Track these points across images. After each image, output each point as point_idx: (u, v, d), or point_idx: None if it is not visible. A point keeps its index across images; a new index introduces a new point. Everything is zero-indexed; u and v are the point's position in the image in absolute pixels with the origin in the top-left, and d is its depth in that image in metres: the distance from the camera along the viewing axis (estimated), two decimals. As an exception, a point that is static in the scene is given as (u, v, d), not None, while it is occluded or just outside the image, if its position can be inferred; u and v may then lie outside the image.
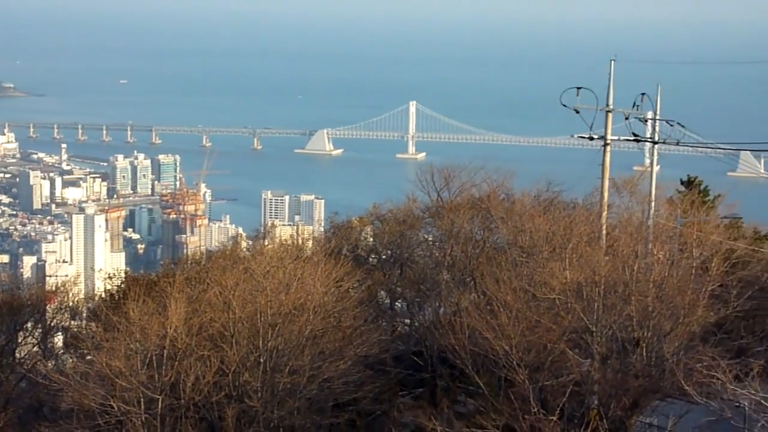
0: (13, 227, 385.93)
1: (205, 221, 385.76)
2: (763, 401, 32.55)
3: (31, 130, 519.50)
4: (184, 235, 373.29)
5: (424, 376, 51.72)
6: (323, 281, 44.55)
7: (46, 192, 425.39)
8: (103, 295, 56.02)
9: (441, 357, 48.86)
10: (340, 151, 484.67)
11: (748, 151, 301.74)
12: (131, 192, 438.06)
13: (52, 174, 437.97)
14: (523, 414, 36.79)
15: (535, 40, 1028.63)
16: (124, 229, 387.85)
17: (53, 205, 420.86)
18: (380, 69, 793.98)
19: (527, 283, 42.62)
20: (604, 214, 52.33)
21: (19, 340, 55.60)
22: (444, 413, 44.49)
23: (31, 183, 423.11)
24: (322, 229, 70.33)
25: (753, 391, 32.71)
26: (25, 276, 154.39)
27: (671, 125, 55.60)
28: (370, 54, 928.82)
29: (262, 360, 41.29)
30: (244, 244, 71.67)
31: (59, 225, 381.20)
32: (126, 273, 64.43)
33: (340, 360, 42.82)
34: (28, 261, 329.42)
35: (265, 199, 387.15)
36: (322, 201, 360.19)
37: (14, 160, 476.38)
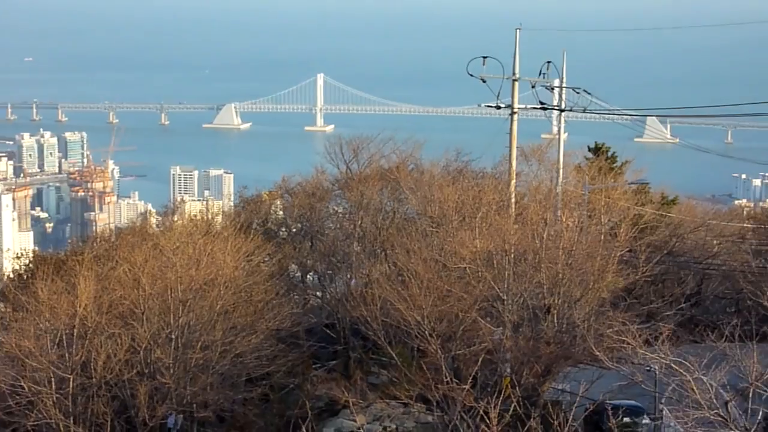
0: None
1: (114, 198, 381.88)
2: (673, 365, 32.81)
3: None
4: (93, 213, 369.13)
5: (337, 348, 51.65)
6: (233, 256, 44.20)
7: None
8: (11, 276, 55.12)
9: (353, 329, 48.83)
10: (248, 125, 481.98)
11: (654, 117, 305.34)
12: (38, 170, 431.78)
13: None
14: (436, 384, 36.80)
15: (442, 9, 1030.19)
16: (32, 208, 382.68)
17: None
18: (287, 41, 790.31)
19: (438, 252, 42.63)
20: (513, 182, 52.50)
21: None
22: (357, 385, 44.45)
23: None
24: (232, 204, 69.86)
25: (663, 355, 32.93)
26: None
27: (578, 93, 55.91)
28: (276, 25, 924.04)
29: (173, 336, 40.88)
30: (153, 220, 71.04)
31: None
32: (34, 252, 63.55)
33: (252, 334, 42.58)
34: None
35: (173, 174, 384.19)
36: (231, 175, 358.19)
37: None
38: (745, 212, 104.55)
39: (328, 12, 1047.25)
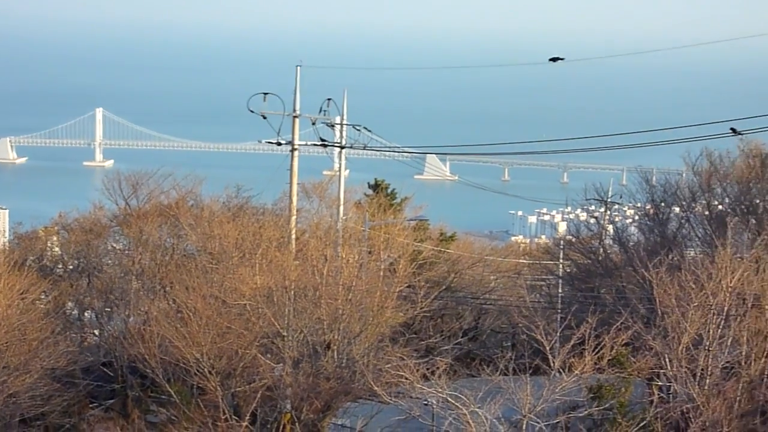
0: None
1: None
2: (449, 398, 33.35)
3: None
4: None
5: (115, 387, 50.74)
6: (6, 294, 43.03)
7: None
8: None
9: (131, 367, 48.04)
10: (23, 159, 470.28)
11: (434, 155, 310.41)
12: None
13: None
14: (215, 421, 36.53)
15: (224, 46, 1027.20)
16: None
17: None
18: (67, 74, 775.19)
19: (217, 289, 42.34)
20: (293, 218, 52.64)
21: None
22: (135, 424, 43.83)
23: None
24: (6, 241, 67.98)
25: (440, 389, 33.46)
26: None
27: (358, 130, 56.44)
28: (54, 57, 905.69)
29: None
30: None
31: None
32: None
33: (26, 374, 41.47)
34: None
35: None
36: (6, 211, 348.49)
37: None
38: (521, 248, 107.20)
39: (121, 45, 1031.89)
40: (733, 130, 36.25)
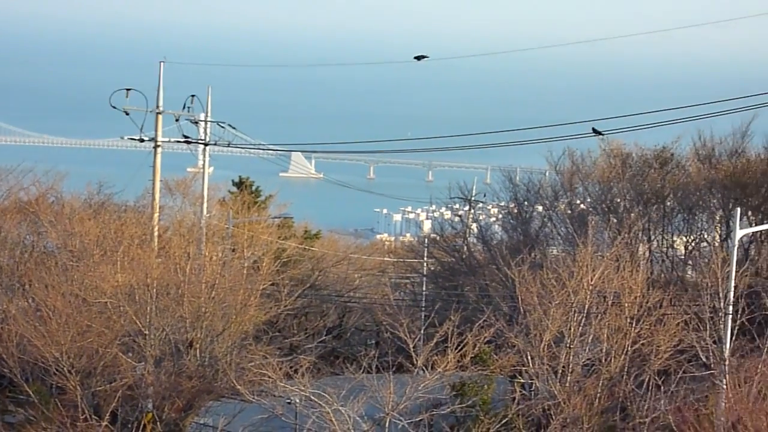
0: None
1: None
2: (312, 397, 33.27)
3: None
4: None
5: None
6: None
7: None
8: None
9: (-11, 367, 46.96)
10: None
11: (299, 153, 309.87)
12: None
13: None
14: (74, 421, 35.90)
15: (86, 38, 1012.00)
16: None
17: None
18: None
19: (78, 287, 41.61)
20: (156, 215, 52.02)
21: None
22: (-8, 425, 42.84)
23: None
24: None
25: (303, 388, 33.37)
26: None
27: (222, 127, 56.05)
28: None
29: None
30: None
31: None
32: None
33: None
34: None
35: None
36: None
37: None
38: (385, 246, 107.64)
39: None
40: (595, 130, 36.81)
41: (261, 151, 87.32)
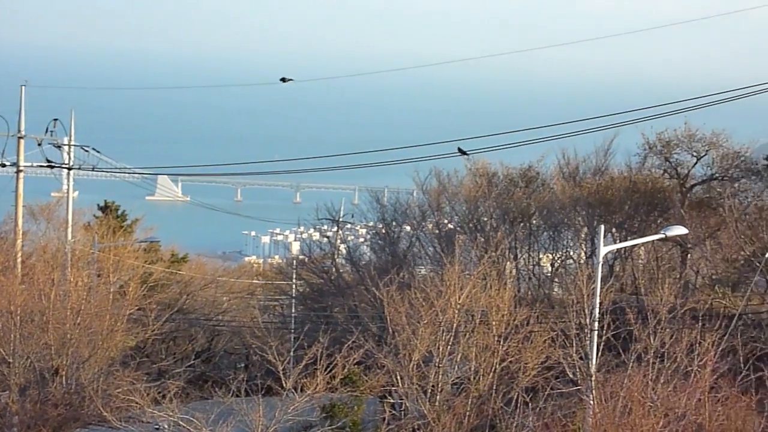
0: None
1: None
2: (180, 422, 32.93)
3: None
4: None
5: None
6: None
7: None
8: None
9: None
10: None
11: (166, 176, 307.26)
12: None
13: None
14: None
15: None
16: None
17: None
18: None
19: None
20: (19, 241, 51.13)
21: None
22: None
23: None
24: None
25: (171, 413, 32.99)
26: None
27: (86, 151, 55.39)
28: None
29: None
30: None
31: None
32: None
33: None
34: None
35: None
36: None
37: None
38: (254, 269, 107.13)
39: None
40: (460, 150, 37.16)
41: (126, 174, 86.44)
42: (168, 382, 38.95)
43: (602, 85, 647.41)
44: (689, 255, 56.27)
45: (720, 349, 33.75)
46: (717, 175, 57.06)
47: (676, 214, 53.72)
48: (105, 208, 67.42)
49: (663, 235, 40.53)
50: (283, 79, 41.29)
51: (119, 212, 67.57)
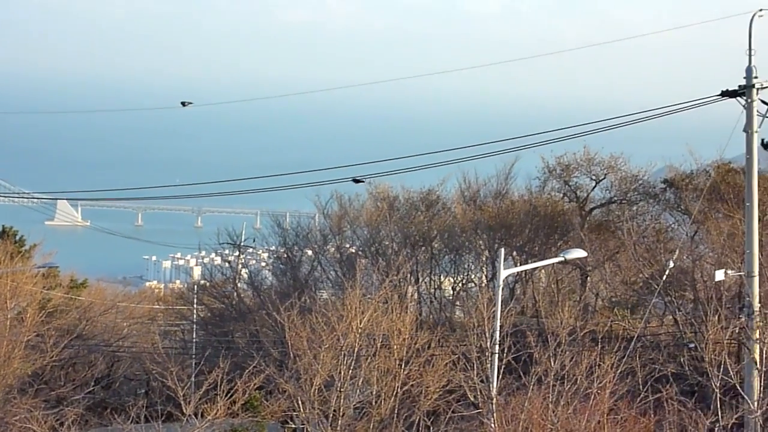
0: None
1: None
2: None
3: None
4: None
5: None
6: None
7: None
8: None
9: None
10: None
11: (65, 200, 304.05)
12: None
13: None
14: None
15: None
16: None
17: None
18: None
19: None
20: None
21: None
22: None
23: None
24: None
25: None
26: None
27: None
28: None
29: None
30: None
31: None
32: None
33: None
34: None
35: None
36: None
37: None
38: (155, 294, 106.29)
39: None
40: (354, 179, 37.25)
41: (24, 199, 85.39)
42: (67, 409, 38.50)
43: (504, 109, 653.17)
44: (589, 278, 56.86)
45: (619, 371, 34.02)
46: (615, 198, 57.74)
47: (576, 237, 54.23)
48: (2, 234, 66.35)
49: (562, 258, 40.86)
50: (183, 103, 41.14)
51: (17, 237, 66.55)
